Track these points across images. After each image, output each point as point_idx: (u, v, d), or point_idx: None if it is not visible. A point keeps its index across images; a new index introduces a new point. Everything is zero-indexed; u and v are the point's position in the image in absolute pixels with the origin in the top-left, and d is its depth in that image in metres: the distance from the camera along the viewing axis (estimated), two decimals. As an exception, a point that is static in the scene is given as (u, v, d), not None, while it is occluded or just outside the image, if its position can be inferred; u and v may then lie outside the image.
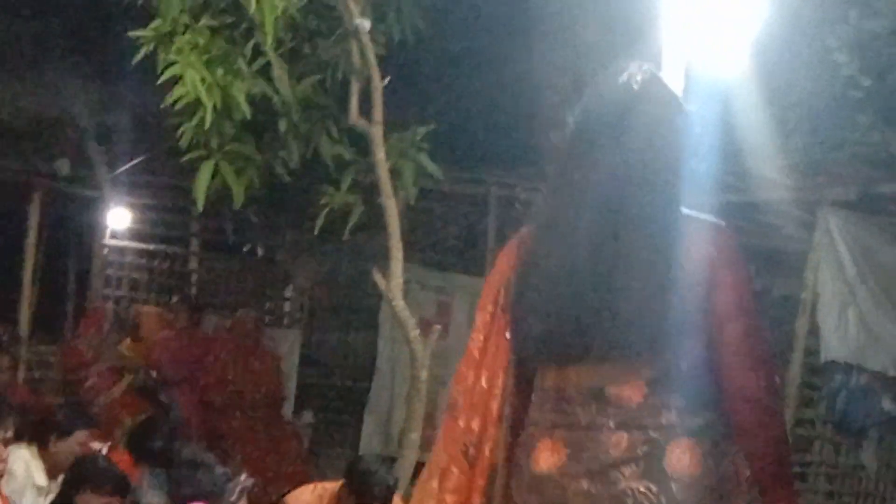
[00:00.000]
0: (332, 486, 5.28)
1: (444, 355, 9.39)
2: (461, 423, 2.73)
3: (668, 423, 2.50)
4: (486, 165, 9.93)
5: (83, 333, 9.11)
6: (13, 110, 9.48)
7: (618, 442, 2.50)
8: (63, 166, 9.56)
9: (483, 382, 2.72)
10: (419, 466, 6.73)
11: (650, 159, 2.54)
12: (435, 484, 2.73)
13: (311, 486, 5.38)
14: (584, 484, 2.50)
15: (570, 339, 2.53)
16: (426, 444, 7.31)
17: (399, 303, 6.49)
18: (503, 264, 2.75)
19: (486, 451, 2.72)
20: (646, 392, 2.51)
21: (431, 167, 6.87)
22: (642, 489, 2.46)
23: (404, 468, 6.45)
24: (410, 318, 6.52)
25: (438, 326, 6.88)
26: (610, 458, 2.49)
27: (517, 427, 2.71)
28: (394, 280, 6.48)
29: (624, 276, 2.48)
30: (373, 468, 5.11)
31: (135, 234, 10.49)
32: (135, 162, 9.39)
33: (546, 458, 2.57)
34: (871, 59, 6.64)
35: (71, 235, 11.06)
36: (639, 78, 2.61)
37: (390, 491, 5.15)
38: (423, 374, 6.52)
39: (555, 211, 2.63)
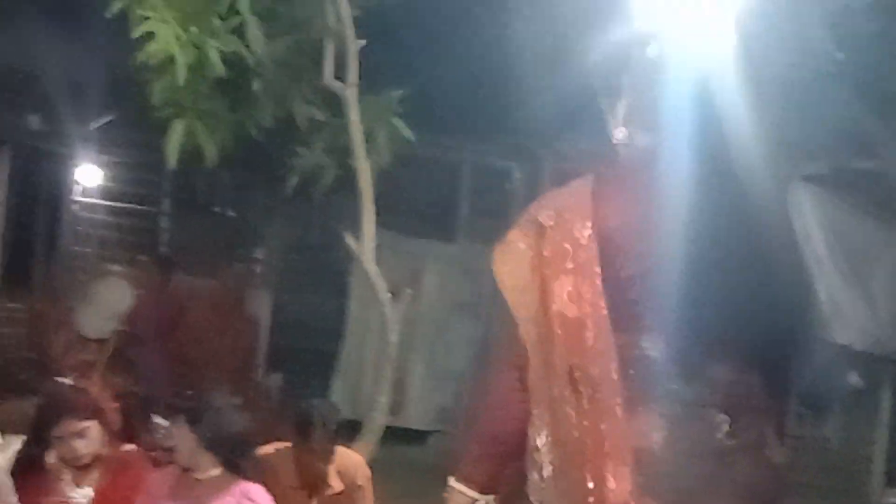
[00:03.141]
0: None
1: (414, 321, 9.44)
2: None
3: (759, 407, 2.49)
4: (460, 133, 9.91)
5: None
6: (-16, 63, 9.37)
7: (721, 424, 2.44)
8: (33, 121, 9.48)
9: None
10: (387, 430, 6.78)
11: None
12: None
13: (272, 445, 5.37)
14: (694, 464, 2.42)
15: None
16: (394, 409, 7.36)
17: (371, 266, 6.48)
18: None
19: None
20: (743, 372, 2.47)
21: (405, 131, 6.84)
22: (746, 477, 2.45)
23: (373, 431, 6.47)
24: (382, 282, 6.52)
25: (410, 291, 6.88)
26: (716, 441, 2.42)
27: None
28: (365, 243, 6.47)
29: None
30: (309, 408, 5.13)
31: (105, 192, 10.41)
32: (106, 119, 9.32)
33: (643, 432, 2.43)
34: (847, 34, 6.65)
35: (40, 191, 10.94)
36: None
37: (329, 425, 5.10)
38: (394, 338, 6.53)
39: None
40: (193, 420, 4.39)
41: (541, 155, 9.98)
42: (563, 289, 2.50)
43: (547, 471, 2.55)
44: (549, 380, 2.54)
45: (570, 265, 2.50)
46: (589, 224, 2.50)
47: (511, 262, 2.63)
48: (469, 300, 10.43)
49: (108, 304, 8.07)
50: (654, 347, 2.43)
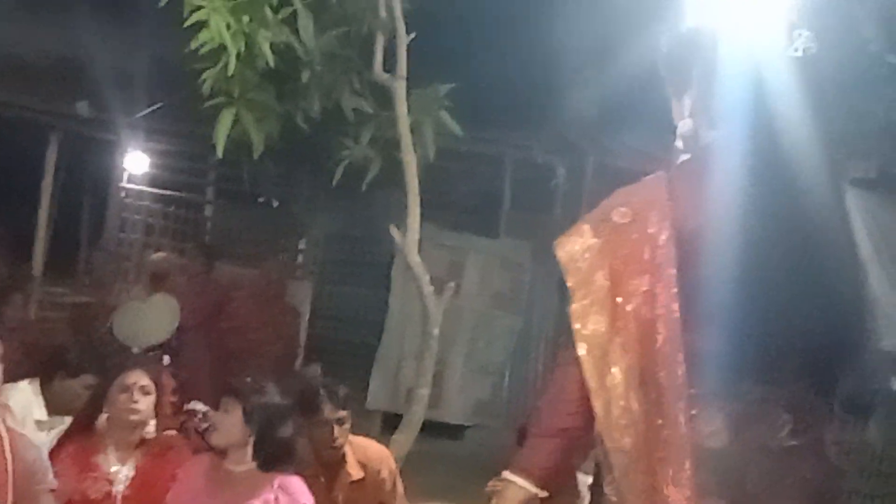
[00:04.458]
0: None
1: (454, 314, 9.45)
2: None
3: (818, 408, 2.50)
4: (503, 127, 9.91)
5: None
6: (36, 51, 9.49)
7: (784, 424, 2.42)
8: (83, 108, 9.58)
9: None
10: (425, 423, 6.78)
11: None
12: None
13: None
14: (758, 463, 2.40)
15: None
16: (432, 402, 7.36)
17: (415, 258, 6.49)
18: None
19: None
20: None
21: (452, 125, 6.85)
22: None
23: (412, 424, 6.48)
24: (425, 274, 6.51)
25: (452, 284, 6.87)
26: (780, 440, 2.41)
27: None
28: (410, 235, 6.48)
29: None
30: (314, 382, 5.09)
31: (152, 180, 10.51)
32: (154, 107, 9.39)
33: (709, 431, 2.41)
34: (900, 36, 6.58)
35: (88, 177, 11.09)
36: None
37: (335, 398, 4.94)
38: (436, 331, 6.53)
39: None
40: (244, 402, 4.33)
41: (584, 151, 9.96)
42: (638, 288, 2.45)
43: (615, 471, 2.51)
44: (605, 377, 2.50)
45: (647, 265, 2.46)
46: (667, 224, 2.46)
47: (576, 246, 2.58)
48: (509, 295, 10.43)
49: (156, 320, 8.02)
50: (721, 346, 2.39)
